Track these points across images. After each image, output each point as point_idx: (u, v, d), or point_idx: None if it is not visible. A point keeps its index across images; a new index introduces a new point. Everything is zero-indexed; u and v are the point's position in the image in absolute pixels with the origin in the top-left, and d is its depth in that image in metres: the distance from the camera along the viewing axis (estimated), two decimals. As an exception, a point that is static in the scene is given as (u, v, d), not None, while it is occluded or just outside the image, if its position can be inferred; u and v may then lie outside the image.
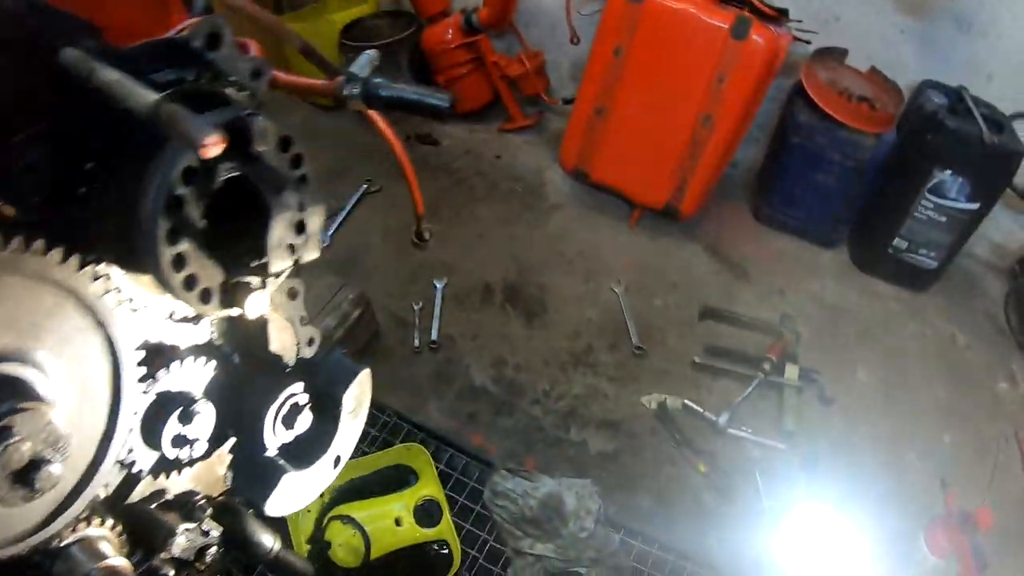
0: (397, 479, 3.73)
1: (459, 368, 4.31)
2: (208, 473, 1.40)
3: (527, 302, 4.66)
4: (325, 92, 1.75)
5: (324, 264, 3.19)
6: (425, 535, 3.55)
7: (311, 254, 1.14)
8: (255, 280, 1.12)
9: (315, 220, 1.14)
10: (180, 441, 1.21)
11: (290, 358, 1.55)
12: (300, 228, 1.14)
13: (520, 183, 5.52)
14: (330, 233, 5.06)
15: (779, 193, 5.24)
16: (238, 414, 1.28)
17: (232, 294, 1.10)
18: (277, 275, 1.15)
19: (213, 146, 0.85)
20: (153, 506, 1.28)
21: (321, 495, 3.63)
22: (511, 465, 3.81)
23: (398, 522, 3.57)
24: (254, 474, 1.43)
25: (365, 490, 3.69)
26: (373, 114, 1.95)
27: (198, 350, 1.26)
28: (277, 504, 1.43)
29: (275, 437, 1.38)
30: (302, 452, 1.51)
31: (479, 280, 4.78)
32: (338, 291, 4.09)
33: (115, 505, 1.21)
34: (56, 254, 0.96)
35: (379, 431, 3.95)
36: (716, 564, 3.51)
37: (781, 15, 4.65)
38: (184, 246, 0.99)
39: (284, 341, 1.54)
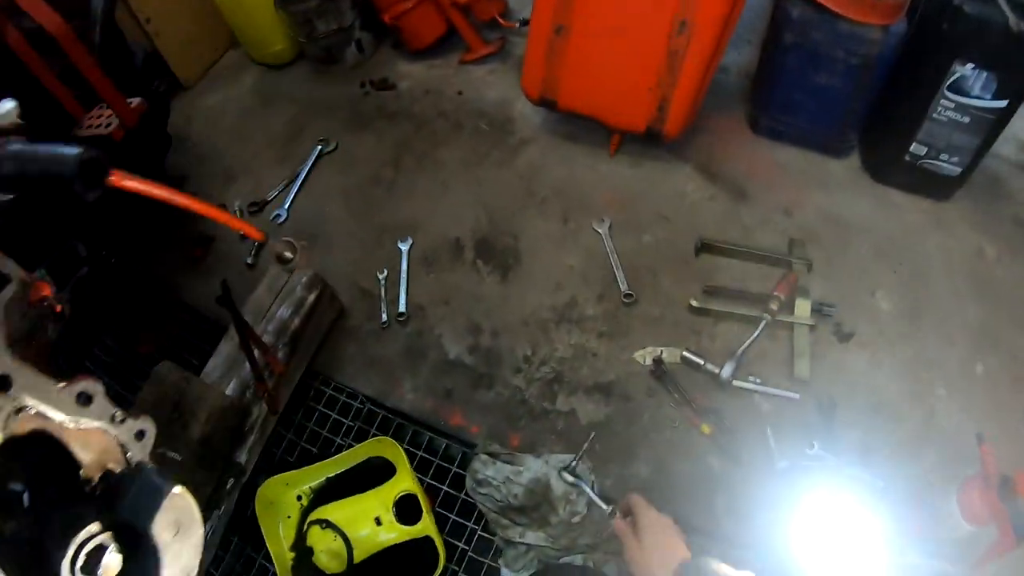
0: (380, 468, 3.41)
1: (431, 340, 3.90)
2: None
3: (500, 255, 4.19)
4: None
5: (283, 242, 2.76)
6: (408, 532, 3.28)
7: None
8: None
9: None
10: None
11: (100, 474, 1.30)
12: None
13: (485, 119, 4.96)
14: (287, 205, 4.61)
15: (777, 99, 4.63)
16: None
17: None
18: None
19: None
20: None
21: (299, 497, 3.34)
22: (492, 448, 3.45)
23: (378, 521, 3.30)
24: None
25: (346, 486, 3.40)
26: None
27: None
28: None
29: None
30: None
31: (447, 236, 4.31)
32: (288, 277, 3.68)
33: None
34: None
35: (353, 420, 3.64)
36: (727, 535, 3.16)
37: None
38: None
39: (100, 448, 1.30)
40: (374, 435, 3.57)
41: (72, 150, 1.42)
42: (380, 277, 4.10)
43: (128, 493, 1.26)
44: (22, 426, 1.16)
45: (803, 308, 3.87)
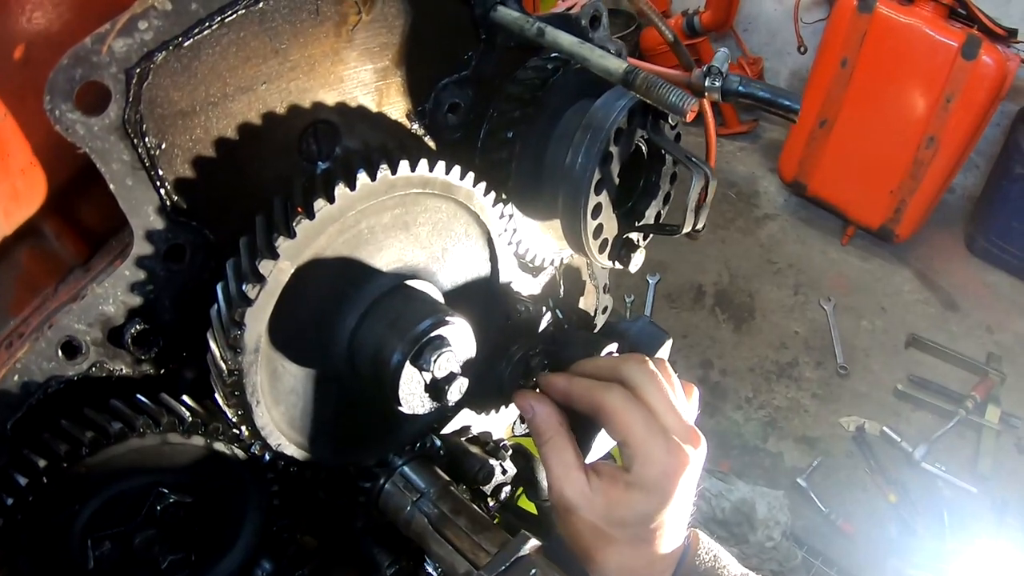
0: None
1: (665, 365, 4.57)
2: (501, 419, 1.44)
3: (736, 307, 4.86)
4: (678, 81, 1.83)
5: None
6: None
7: (703, 221, 1.12)
8: (638, 238, 1.19)
9: (712, 190, 1.10)
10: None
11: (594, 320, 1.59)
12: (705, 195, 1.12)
13: (734, 189, 5.67)
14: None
15: (997, 225, 5.17)
16: (559, 367, 1.24)
17: (620, 249, 1.16)
18: (689, 234, 1.16)
19: (695, 112, 0.90)
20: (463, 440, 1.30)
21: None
22: (708, 465, 4.03)
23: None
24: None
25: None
26: (707, 108, 2.01)
27: (533, 299, 1.30)
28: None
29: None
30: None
31: (690, 280, 5.00)
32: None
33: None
34: (481, 187, 1.00)
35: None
36: None
37: (1010, 35, 4.53)
38: (602, 198, 1.04)
39: (587, 304, 1.61)
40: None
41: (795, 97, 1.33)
42: (627, 300, 4.81)
43: (629, 337, 1.40)
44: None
45: (993, 414, 4.41)
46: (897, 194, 4.86)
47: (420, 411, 0.94)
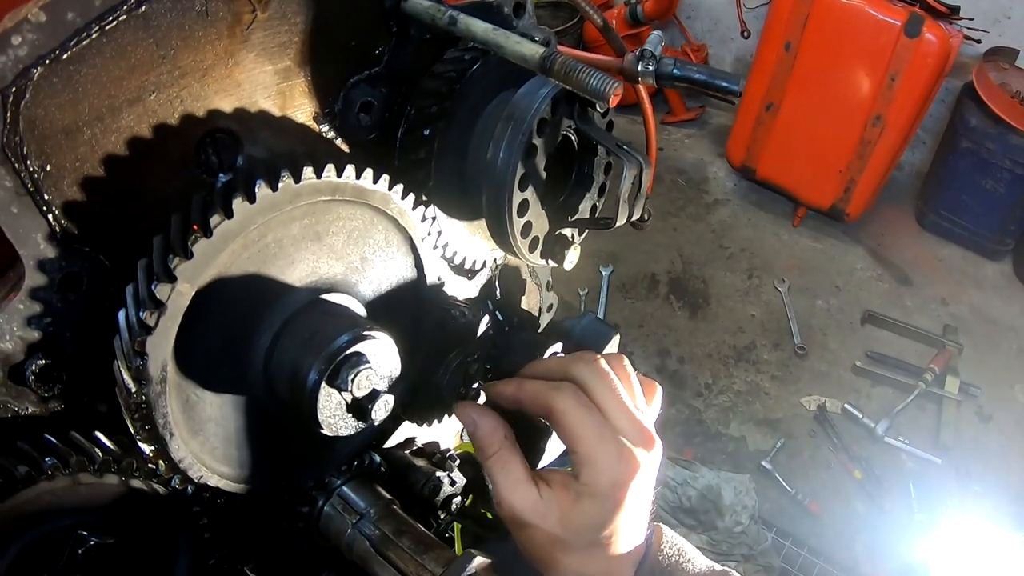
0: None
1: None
2: (447, 428, 1.39)
3: (691, 294, 4.87)
4: (611, 68, 1.67)
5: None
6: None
7: (638, 211, 1.08)
8: (571, 234, 1.14)
9: (647, 179, 1.05)
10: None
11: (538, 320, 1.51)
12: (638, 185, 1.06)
13: (683, 176, 5.68)
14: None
15: (945, 199, 5.25)
16: (501, 371, 1.19)
17: (552, 246, 1.10)
18: (635, 224, 1.15)
19: (619, 97, 0.84)
20: (407, 452, 1.26)
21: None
22: (671, 454, 4.02)
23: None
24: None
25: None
26: (643, 94, 1.93)
27: (470, 303, 1.26)
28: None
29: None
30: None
31: (643, 270, 5.00)
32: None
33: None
34: (399, 189, 0.96)
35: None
36: (863, 573, 3.69)
37: (952, 12, 4.59)
38: (528, 193, 0.99)
39: (531, 303, 1.56)
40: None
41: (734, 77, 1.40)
42: (581, 293, 4.79)
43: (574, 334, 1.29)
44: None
45: (952, 384, 4.47)
46: (846, 174, 4.90)
47: (344, 432, 0.89)
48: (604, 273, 4.94)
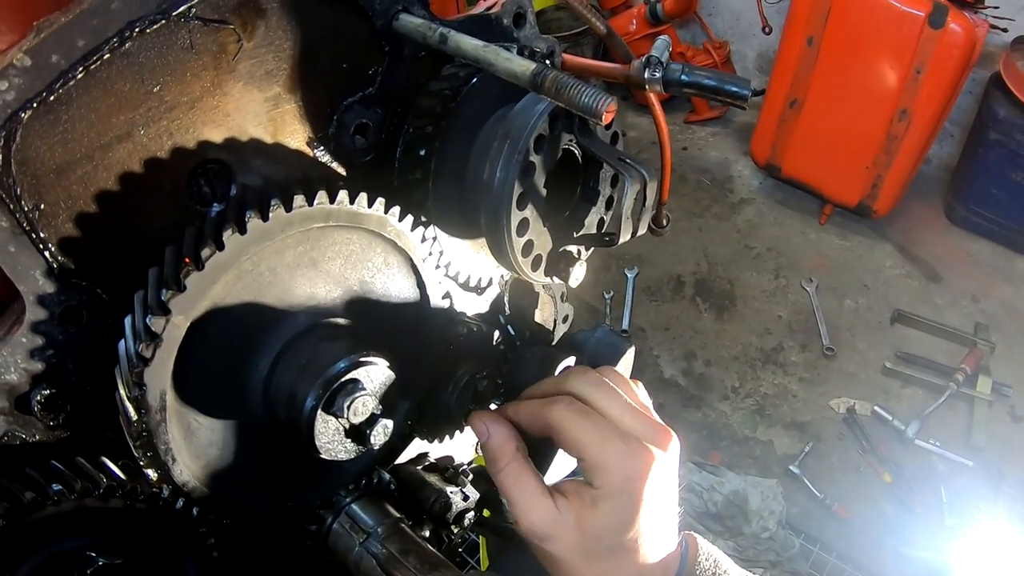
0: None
1: (649, 359, 4.55)
2: (463, 442, 1.39)
3: (717, 296, 4.83)
4: (617, 75, 1.75)
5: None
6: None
7: (643, 227, 1.06)
8: (577, 250, 1.11)
9: (653, 192, 1.02)
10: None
11: (552, 332, 1.52)
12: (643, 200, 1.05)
13: (708, 175, 5.64)
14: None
15: (974, 193, 5.15)
16: (513, 386, 1.19)
17: (557, 263, 1.07)
18: (654, 231, 1.12)
19: (612, 114, 0.83)
20: (419, 468, 1.25)
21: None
22: (697, 459, 4.00)
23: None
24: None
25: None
26: (653, 99, 1.89)
27: (480, 318, 1.25)
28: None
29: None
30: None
31: (669, 272, 4.97)
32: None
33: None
34: (395, 211, 0.95)
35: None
36: None
37: (977, 1, 4.50)
38: (528, 212, 0.96)
39: (545, 315, 1.54)
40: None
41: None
42: (607, 297, 4.77)
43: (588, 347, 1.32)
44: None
45: (984, 384, 4.38)
46: (873, 170, 4.83)
47: (344, 457, 0.90)
48: (629, 276, 4.92)
